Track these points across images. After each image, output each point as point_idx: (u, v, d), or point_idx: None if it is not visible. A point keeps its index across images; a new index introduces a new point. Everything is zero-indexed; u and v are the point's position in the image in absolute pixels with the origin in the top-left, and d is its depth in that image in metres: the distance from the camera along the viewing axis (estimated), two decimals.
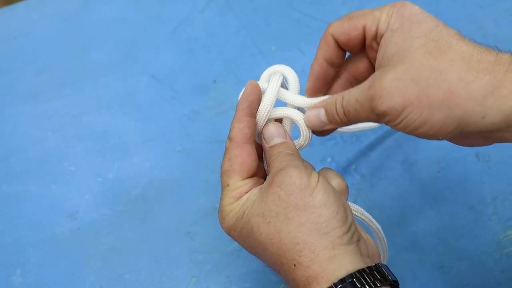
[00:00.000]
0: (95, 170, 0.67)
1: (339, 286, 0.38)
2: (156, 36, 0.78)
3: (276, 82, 0.47)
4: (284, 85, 0.49)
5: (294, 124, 0.49)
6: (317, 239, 0.40)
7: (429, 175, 0.65)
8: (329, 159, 0.67)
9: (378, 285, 0.39)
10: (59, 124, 0.71)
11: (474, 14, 0.76)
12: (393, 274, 0.42)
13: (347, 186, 0.47)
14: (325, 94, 0.50)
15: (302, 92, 0.49)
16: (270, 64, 0.50)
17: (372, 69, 0.48)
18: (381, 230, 0.50)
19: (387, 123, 0.42)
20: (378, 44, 0.44)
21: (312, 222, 0.40)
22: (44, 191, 0.66)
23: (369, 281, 0.39)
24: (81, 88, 0.74)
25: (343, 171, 0.66)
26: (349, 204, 0.48)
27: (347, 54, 0.49)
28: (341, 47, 0.47)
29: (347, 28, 0.45)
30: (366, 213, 0.49)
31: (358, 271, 0.39)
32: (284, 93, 0.48)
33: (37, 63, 0.76)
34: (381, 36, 0.43)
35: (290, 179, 0.41)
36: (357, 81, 0.49)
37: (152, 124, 0.70)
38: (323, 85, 0.49)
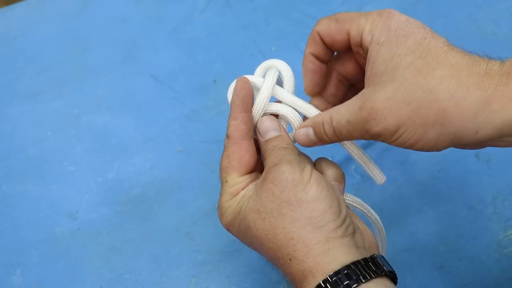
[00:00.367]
0: (95, 170, 0.67)
1: (334, 278, 0.38)
2: (156, 36, 0.78)
3: (271, 77, 0.47)
4: (279, 80, 0.49)
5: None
6: (311, 233, 0.40)
7: (429, 175, 0.65)
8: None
9: (373, 276, 0.39)
10: (59, 124, 0.71)
11: (474, 14, 0.76)
12: (389, 265, 0.42)
13: (343, 174, 0.48)
14: (321, 91, 0.50)
15: (297, 87, 0.49)
16: None
17: (360, 70, 0.48)
18: (379, 221, 0.50)
19: (382, 141, 0.42)
20: (364, 50, 0.44)
21: (306, 217, 0.40)
22: (44, 191, 0.66)
23: (364, 272, 0.39)
24: (81, 88, 0.74)
25: (343, 171, 0.66)
26: (348, 195, 0.48)
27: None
28: (327, 46, 0.47)
29: (333, 30, 0.45)
30: (365, 204, 0.49)
31: (353, 262, 0.39)
32: (278, 91, 0.48)
33: (37, 63, 0.76)
34: (367, 48, 0.43)
35: (283, 175, 0.42)
36: (347, 80, 0.49)
37: (152, 124, 0.70)
38: (321, 80, 0.49)
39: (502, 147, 0.40)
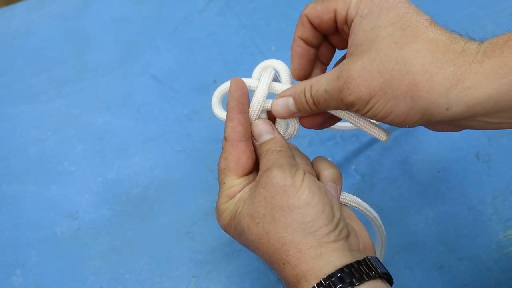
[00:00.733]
0: (95, 170, 0.67)
1: (327, 282, 0.38)
2: (156, 36, 0.78)
3: (267, 76, 0.47)
4: (276, 79, 0.49)
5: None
6: (303, 238, 0.40)
7: (429, 175, 0.65)
8: (328, 159, 0.67)
9: (367, 278, 0.39)
10: (59, 124, 0.71)
11: (474, 14, 0.76)
12: (383, 266, 0.42)
13: (341, 175, 0.48)
14: (308, 75, 0.50)
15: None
16: None
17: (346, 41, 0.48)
18: (378, 219, 0.50)
19: (355, 112, 0.42)
20: (349, 28, 0.44)
21: (298, 223, 0.40)
22: (44, 191, 0.66)
23: (358, 275, 0.39)
24: (81, 88, 0.74)
25: (343, 171, 0.66)
26: (346, 194, 0.48)
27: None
28: (316, 29, 0.47)
29: (320, 10, 0.45)
30: (363, 203, 0.49)
31: (346, 265, 0.39)
32: (276, 86, 0.48)
33: (37, 63, 0.76)
34: (351, 21, 0.43)
35: (274, 180, 0.42)
36: (334, 48, 0.49)
37: (152, 124, 0.70)
38: (307, 64, 0.49)
39: (477, 128, 0.40)
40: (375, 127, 0.47)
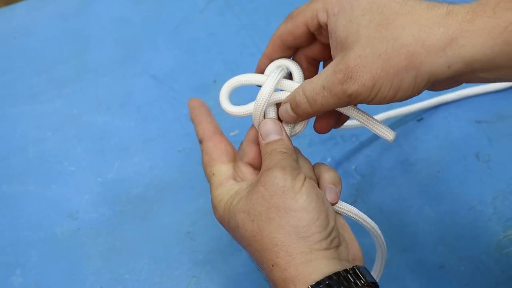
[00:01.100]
0: (95, 170, 0.67)
1: (321, 286, 0.38)
2: (156, 36, 0.78)
3: (277, 73, 0.47)
4: (289, 79, 0.49)
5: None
6: (295, 242, 0.40)
7: (429, 175, 0.65)
8: (329, 159, 0.67)
9: (354, 287, 0.39)
10: (59, 124, 0.71)
11: None
12: (371, 276, 0.42)
13: (340, 179, 0.48)
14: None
15: None
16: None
17: (326, 48, 0.48)
18: (377, 229, 0.49)
19: (360, 102, 0.42)
20: (325, 30, 0.44)
21: (292, 226, 0.40)
22: (44, 191, 0.66)
23: (346, 283, 0.39)
24: (81, 88, 0.74)
25: (343, 171, 0.66)
26: (343, 204, 0.47)
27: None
28: (290, 47, 0.48)
29: (290, 27, 0.46)
30: (361, 213, 0.48)
31: (335, 273, 0.39)
32: (285, 83, 0.48)
33: (37, 63, 0.76)
34: (325, 24, 0.44)
35: (274, 180, 0.42)
36: (316, 60, 0.50)
37: (152, 124, 0.70)
38: None
39: (476, 82, 0.41)
40: (381, 126, 0.47)
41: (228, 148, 0.48)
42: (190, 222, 0.63)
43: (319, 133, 0.49)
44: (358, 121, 0.47)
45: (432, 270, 0.59)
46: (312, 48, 0.48)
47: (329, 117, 0.48)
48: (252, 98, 0.48)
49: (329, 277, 0.39)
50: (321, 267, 0.39)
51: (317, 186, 0.45)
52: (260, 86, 0.48)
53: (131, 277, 0.61)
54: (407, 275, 0.59)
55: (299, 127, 0.49)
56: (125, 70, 0.75)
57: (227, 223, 0.45)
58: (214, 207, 0.46)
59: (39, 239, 0.63)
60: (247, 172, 0.48)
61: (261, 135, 0.47)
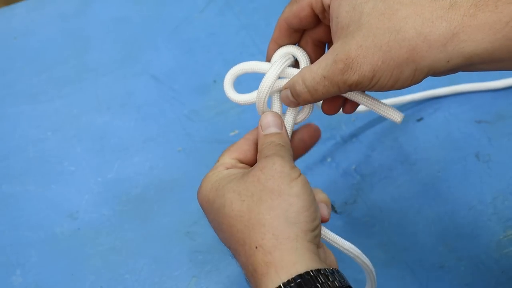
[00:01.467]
0: (95, 170, 0.67)
1: (298, 280, 0.38)
2: (156, 36, 0.78)
3: (282, 61, 0.47)
4: (296, 67, 0.49)
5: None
6: (283, 226, 0.40)
7: (429, 175, 0.65)
8: (329, 159, 0.67)
9: (336, 286, 0.39)
10: (59, 124, 0.71)
11: None
12: (348, 282, 0.42)
13: (330, 201, 0.48)
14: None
15: None
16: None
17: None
18: (363, 257, 0.49)
19: (360, 89, 0.43)
20: (328, 13, 0.45)
21: (282, 209, 0.41)
22: (44, 191, 0.66)
23: (329, 282, 0.39)
24: (81, 88, 0.74)
25: (343, 171, 0.66)
26: (330, 234, 0.47)
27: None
28: (296, 30, 0.48)
29: (296, 10, 0.46)
30: (347, 243, 0.48)
31: (317, 270, 0.39)
32: (290, 71, 0.48)
33: (37, 63, 0.76)
34: (328, 7, 0.44)
35: (273, 166, 0.42)
36: (322, 43, 0.49)
37: (152, 124, 0.70)
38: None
39: (475, 71, 0.42)
40: (388, 108, 0.47)
41: (246, 150, 0.48)
42: (190, 222, 0.63)
43: (327, 114, 0.49)
44: (365, 105, 0.47)
45: (432, 270, 0.59)
46: (318, 30, 0.48)
47: (337, 99, 0.48)
48: (255, 86, 0.48)
49: (310, 272, 0.39)
50: (305, 259, 0.39)
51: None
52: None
53: (131, 277, 0.61)
54: (407, 275, 0.59)
55: (302, 115, 0.49)
56: (125, 70, 0.75)
57: (211, 202, 0.44)
58: (200, 186, 0.46)
59: (39, 239, 0.63)
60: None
61: (261, 126, 0.47)
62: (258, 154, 0.46)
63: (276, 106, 0.49)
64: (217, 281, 0.60)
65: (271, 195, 0.41)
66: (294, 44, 0.49)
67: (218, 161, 0.47)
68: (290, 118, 0.48)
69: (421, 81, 0.41)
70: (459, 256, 0.60)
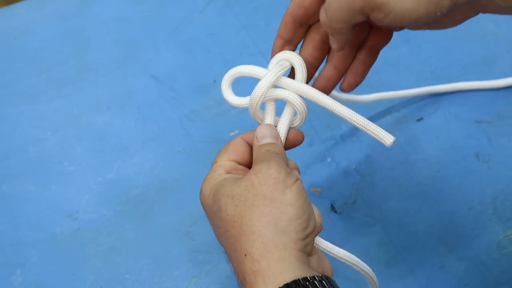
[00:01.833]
0: (95, 170, 0.67)
1: None
2: (156, 36, 0.78)
3: (277, 70, 0.47)
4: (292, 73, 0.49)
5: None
6: (272, 234, 0.40)
7: (429, 175, 0.65)
8: (329, 159, 0.67)
9: None
10: (59, 124, 0.71)
11: None
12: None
13: (322, 219, 0.47)
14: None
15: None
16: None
17: None
18: (374, 277, 0.49)
19: (380, 19, 0.41)
20: None
21: (274, 216, 0.40)
22: (44, 191, 0.66)
23: None
24: (81, 88, 0.74)
25: (343, 171, 0.66)
26: (331, 248, 0.47)
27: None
28: (302, 24, 0.48)
29: (299, 1, 0.47)
30: (342, 251, 0.48)
31: (305, 278, 0.38)
32: (284, 81, 0.48)
33: (37, 63, 0.76)
34: None
35: (268, 171, 0.42)
36: (327, 37, 0.49)
37: (152, 124, 0.70)
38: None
39: (491, 12, 0.41)
40: (380, 131, 0.47)
41: (244, 150, 0.47)
42: (190, 222, 0.63)
43: (345, 90, 0.50)
44: (356, 125, 0.47)
45: (432, 270, 0.59)
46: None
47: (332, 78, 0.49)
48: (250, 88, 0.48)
49: (298, 281, 0.38)
50: (292, 268, 0.39)
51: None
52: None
53: (131, 277, 0.61)
54: (407, 275, 0.59)
55: (297, 121, 0.49)
56: (125, 70, 0.75)
57: (211, 206, 0.44)
58: (201, 189, 0.46)
59: (39, 239, 0.63)
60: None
61: (256, 137, 0.47)
62: (253, 162, 0.46)
63: (270, 112, 0.49)
64: (217, 281, 0.60)
65: (263, 201, 0.41)
66: (300, 40, 0.49)
67: (215, 162, 0.47)
68: (285, 122, 0.48)
69: (445, 9, 0.39)
70: (459, 256, 0.60)
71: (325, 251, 0.47)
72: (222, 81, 0.50)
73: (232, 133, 0.68)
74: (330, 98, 0.47)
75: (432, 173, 0.65)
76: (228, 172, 0.46)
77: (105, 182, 0.66)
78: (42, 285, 0.60)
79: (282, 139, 0.48)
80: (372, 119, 0.69)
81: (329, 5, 0.42)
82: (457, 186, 0.64)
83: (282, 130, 0.48)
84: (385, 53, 0.52)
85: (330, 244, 0.47)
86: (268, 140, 0.47)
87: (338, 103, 0.47)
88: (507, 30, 0.75)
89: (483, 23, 0.76)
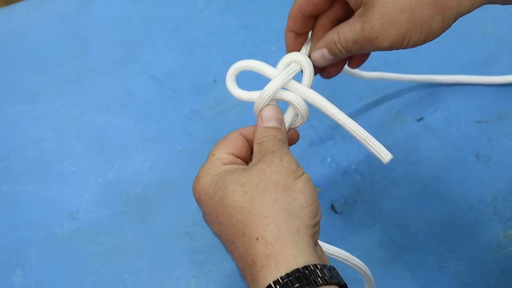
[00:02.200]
0: (95, 170, 0.67)
1: (297, 274, 0.38)
2: (156, 36, 0.78)
3: (288, 72, 0.48)
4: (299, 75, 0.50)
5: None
6: (286, 219, 0.40)
7: (429, 175, 0.65)
8: (329, 159, 0.67)
9: (333, 281, 0.39)
10: (59, 124, 0.71)
11: (474, 14, 0.75)
12: (344, 280, 0.42)
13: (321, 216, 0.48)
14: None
15: (314, 87, 0.49)
16: (270, 64, 0.50)
17: (348, 7, 0.49)
18: (363, 266, 0.49)
19: (396, 49, 0.44)
20: None
21: (287, 202, 0.41)
22: (44, 191, 0.66)
23: (326, 278, 0.39)
24: (81, 88, 0.74)
25: (343, 171, 0.66)
26: (326, 246, 0.48)
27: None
28: (310, 17, 0.49)
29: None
30: (342, 251, 0.49)
31: (315, 265, 0.39)
32: (292, 84, 0.48)
33: (37, 63, 0.76)
34: None
35: (281, 161, 0.43)
36: (338, 22, 0.50)
37: (152, 124, 0.70)
38: (303, 41, 0.51)
39: (501, 3, 0.44)
40: (379, 147, 0.47)
41: (241, 145, 0.47)
42: (190, 222, 0.63)
43: (325, 78, 0.52)
44: (357, 137, 0.48)
45: (432, 270, 0.59)
46: (332, 11, 0.49)
47: (337, 66, 0.52)
48: (254, 85, 0.49)
49: (307, 267, 0.39)
50: (305, 253, 0.39)
51: None
52: (267, 77, 0.48)
53: (131, 277, 0.61)
54: (407, 275, 0.59)
55: (298, 122, 0.49)
56: (125, 70, 0.75)
57: (211, 195, 0.44)
58: (197, 180, 0.46)
59: (39, 239, 0.63)
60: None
61: (261, 117, 0.47)
62: (255, 145, 0.46)
63: None
64: (217, 281, 0.60)
65: (276, 189, 0.41)
66: (310, 29, 0.50)
67: (213, 155, 0.47)
68: (286, 122, 0.49)
69: (449, 27, 0.43)
70: (459, 256, 0.60)
71: (328, 254, 0.48)
72: (228, 72, 0.50)
73: None
74: (335, 107, 0.48)
75: (432, 173, 0.65)
76: (226, 165, 0.46)
77: (105, 182, 0.66)
78: (42, 285, 0.60)
79: None
80: (372, 118, 0.69)
81: (351, 50, 0.47)
82: (457, 186, 0.64)
83: (285, 124, 0.49)
84: (385, 53, 0.52)
85: (320, 242, 0.47)
86: (273, 123, 0.47)
87: (343, 113, 0.48)
88: (507, 30, 0.75)
89: (483, 23, 0.76)
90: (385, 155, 0.47)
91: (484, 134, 0.67)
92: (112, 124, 0.71)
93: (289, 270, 0.38)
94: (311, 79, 0.49)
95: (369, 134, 0.47)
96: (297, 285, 0.38)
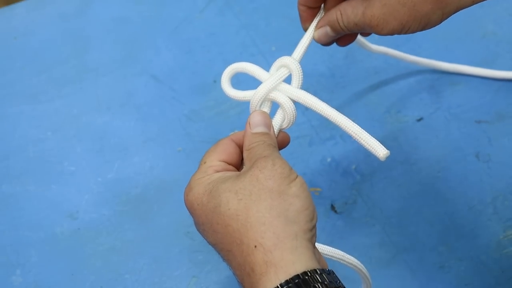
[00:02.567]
0: (95, 170, 0.67)
1: (296, 281, 0.38)
2: (156, 36, 0.78)
3: (279, 76, 0.49)
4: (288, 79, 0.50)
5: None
6: (284, 225, 0.40)
7: (429, 175, 0.65)
8: (329, 159, 0.67)
9: (332, 286, 0.39)
10: (59, 124, 0.71)
11: (474, 14, 0.76)
12: (343, 284, 0.42)
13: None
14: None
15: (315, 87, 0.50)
16: (270, 64, 0.50)
17: None
18: (359, 265, 0.49)
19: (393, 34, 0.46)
20: None
21: (283, 208, 0.40)
22: (44, 191, 0.66)
23: (326, 283, 0.38)
24: (81, 88, 0.74)
25: (343, 171, 0.66)
26: (324, 247, 0.48)
27: None
28: None
29: None
30: (338, 251, 0.49)
31: (314, 270, 0.39)
32: (282, 87, 0.49)
33: (37, 63, 0.76)
34: None
35: (273, 166, 0.42)
36: None
37: (152, 124, 0.70)
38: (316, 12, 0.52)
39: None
40: (374, 143, 0.47)
41: (234, 152, 0.47)
42: (190, 222, 0.63)
43: (341, 46, 0.54)
44: (349, 132, 0.47)
45: (432, 270, 0.59)
46: None
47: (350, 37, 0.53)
48: (254, 85, 0.49)
49: (306, 273, 0.38)
50: (305, 258, 0.39)
51: None
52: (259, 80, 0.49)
53: (131, 277, 0.61)
54: (407, 275, 0.59)
55: (285, 123, 0.49)
56: (125, 70, 0.75)
57: (204, 204, 0.44)
58: (189, 189, 0.46)
59: (39, 239, 0.63)
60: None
61: (249, 123, 0.47)
62: (245, 151, 0.46)
63: (266, 110, 0.49)
64: (217, 281, 0.60)
65: (270, 194, 0.41)
66: (320, 4, 0.51)
67: (204, 162, 0.46)
68: (276, 124, 0.49)
69: (446, 19, 0.45)
70: (459, 256, 0.60)
71: (326, 255, 0.48)
72: (224, 73, 0.51)
73: (232, 133, 0.68)
74: (324, 103, 0.48)
75: (432, 173, 0.65)
76: (218, 172, 0.46)
77: (105, 182, 0.66)
78: (42, 285, 0.60)
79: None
80: (372, 118, 0.69)
81: (352, 29, 0.48)
82: (457, 186, 0.64)
83: (275, 127, 0.49)
84: (387, 44, 0.52)
85: (328, 247, 0.48)
86: (261, 129, 0.46)
87: (333, 109, 0.48)
88: (507, 30, 0.75)
89: (483, 23, 0.76)
90: (380, 150, 0.46)
91: (484, 134, 0.67)
92: (112, 124, 0.71)
93: (288, 277, 0.38)
94: (300, 81, 0.49)
95: (361, 129, 0.47)
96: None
